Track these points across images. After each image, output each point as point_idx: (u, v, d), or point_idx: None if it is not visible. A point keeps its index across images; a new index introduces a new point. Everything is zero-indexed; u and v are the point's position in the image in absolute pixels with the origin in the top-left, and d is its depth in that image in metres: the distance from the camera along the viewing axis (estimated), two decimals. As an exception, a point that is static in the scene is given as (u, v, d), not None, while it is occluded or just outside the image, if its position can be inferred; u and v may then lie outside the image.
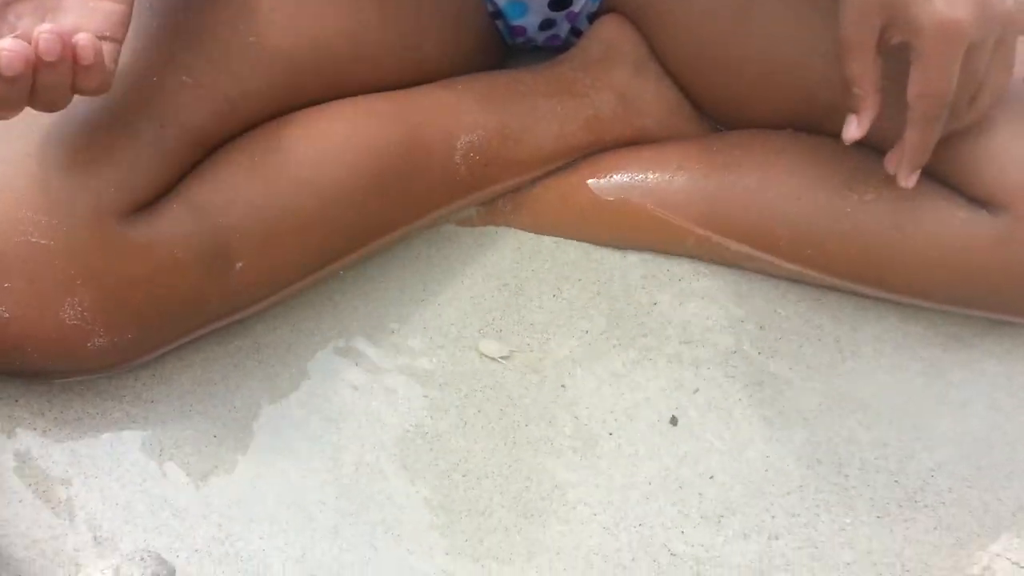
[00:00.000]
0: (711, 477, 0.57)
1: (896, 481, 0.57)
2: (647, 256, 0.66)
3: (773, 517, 0.55)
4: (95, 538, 0.53)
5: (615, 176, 0.66)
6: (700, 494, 0.56)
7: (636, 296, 0.64)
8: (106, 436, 0.57)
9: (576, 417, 0.59)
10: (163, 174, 0.53)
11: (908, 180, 0.55)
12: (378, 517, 0.55)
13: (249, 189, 0.55)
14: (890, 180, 0.56)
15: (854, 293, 0.63)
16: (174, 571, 0.41)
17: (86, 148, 0.51)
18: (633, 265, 0.66)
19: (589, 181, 0.66)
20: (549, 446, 0.58)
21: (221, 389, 0.59)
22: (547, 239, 0.67)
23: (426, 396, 0.60)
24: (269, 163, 0.56)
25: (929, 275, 0.59)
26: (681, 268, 0.66)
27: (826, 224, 0.60)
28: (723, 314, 0.63)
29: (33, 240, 0.49)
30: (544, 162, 0.67)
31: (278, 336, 0.62)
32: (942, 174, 0.58)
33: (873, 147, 0.58)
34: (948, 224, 0.57)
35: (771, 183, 0.62)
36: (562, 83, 0.68)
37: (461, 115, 0.63)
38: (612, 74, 0.68)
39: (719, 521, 0.55)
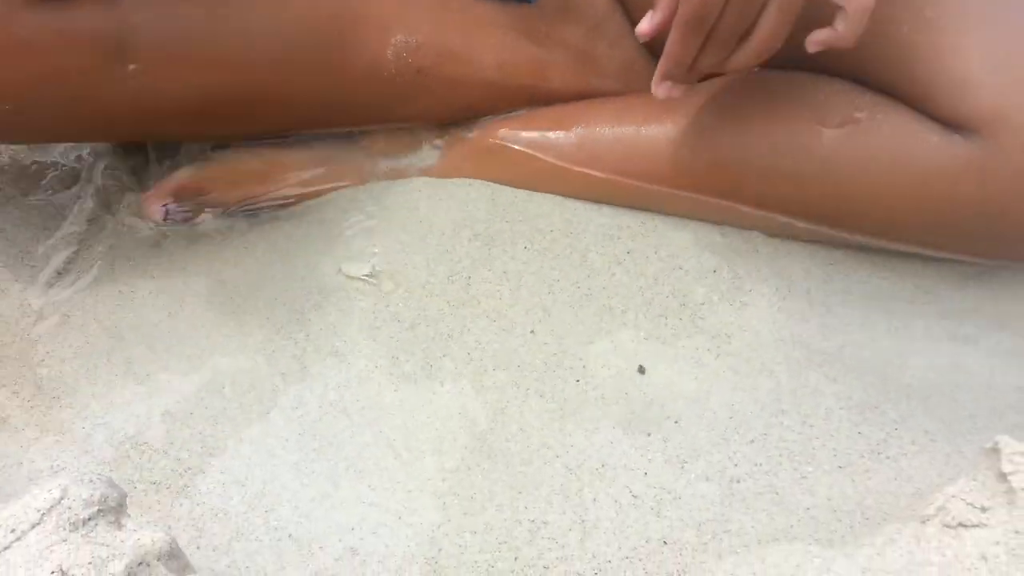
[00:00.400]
0: (676, 422, 0.57)
1: (859, 432, 0.57)
2: (621, 209, 0.66)
3: (736, 464, 0.56)
4: (51, 467, 0.53)
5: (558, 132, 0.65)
6: (664, 439, 0.56)
7: (609, 247, 0.64)
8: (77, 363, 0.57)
9: (544, 363, 0.59)
10: None
11: (658, 88, 0.55)
12: (340, 455, 0.55)
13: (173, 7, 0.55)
14: (867, 107, 0.55)
15: (827, 242, 0.63)
16: (125, 496, 0.41)
17: None
18: (606, 215, 0.66)
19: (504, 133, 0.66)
20: (515, 390, 0.58)
21: (183, 325, 0.59)
22: (521, 192, 0.67)
23: (392, 338, 0.60)
24: None
25: (903, 210, 0.58)
26: (655, 221, 0.66)
27: (794, 163, 0.59)
28: (695, 264, 0.63)
29: None
30: (480, 89, 0.66)
31: (243, 271, 0.62)
32: (911, 98, 0.57)
33: (838, 75, 0.58)
34: (921, 150, 0.56)
35: (732, 127, 0.61)
36: (517, 21, 0.67)
37: (404, 12, 0.63)
38: (566, 29, 0.68)
39: (682, 466, 0.55)
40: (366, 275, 0.61)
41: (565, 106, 0.66)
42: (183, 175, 0.64)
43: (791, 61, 0.60)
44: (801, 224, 0.62)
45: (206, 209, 0.64)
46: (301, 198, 0.66)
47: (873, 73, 0.58)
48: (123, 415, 0.56)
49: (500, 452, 0.56)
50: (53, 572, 0.35)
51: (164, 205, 0.64)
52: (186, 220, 0.64)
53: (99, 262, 0.64)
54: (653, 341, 0.60)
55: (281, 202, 0.66)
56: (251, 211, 0.65)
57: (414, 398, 0.58)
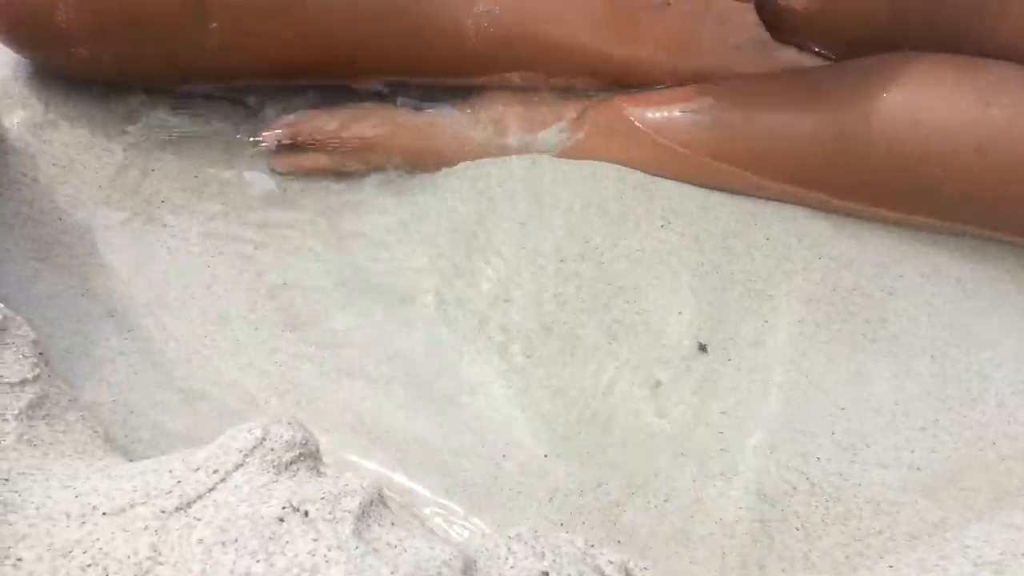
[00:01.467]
0: (842, 408, 0.54)
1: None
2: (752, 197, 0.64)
3: (912, 451, 0.53)
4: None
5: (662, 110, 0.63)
6: (830, 426, 0.53)
7: (747, 233, 0.62)
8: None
9: (691, 347, 0.56)
10: None
11: None
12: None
13: None
14: None
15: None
16: (318, 441, 0.37)
17: None
18: (740, 202, 0.64)
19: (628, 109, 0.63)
20: (666, 371, 0.55)
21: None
22: (647, 175, 0.65)
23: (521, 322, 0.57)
24: None
25: None
26: (791, 210, 0.63)
27: (950, 150, 0.57)
28: (838, 252, 0.61)
29: None
30: (565, 64, 0.64)
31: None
32: None
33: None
34: None
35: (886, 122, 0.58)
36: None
37: None
38: (661, 16, 0.65)
39: (855, 453, 0.52)
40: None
41: (701, 87, 0.64)
42: (287, 118, 0.63)
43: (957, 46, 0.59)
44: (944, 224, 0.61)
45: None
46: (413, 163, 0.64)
47: None
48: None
49: (660, 434, 0.52)
50: (284, 507, 0.31)
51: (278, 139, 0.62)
52: (295, 165, 0.62)
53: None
54: (809, 325, 0.57)
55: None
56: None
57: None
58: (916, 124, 0.58)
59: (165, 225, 0.58)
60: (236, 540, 0.31)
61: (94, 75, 0.61)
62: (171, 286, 0.56)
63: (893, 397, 0.55)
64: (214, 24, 0.57)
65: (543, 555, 0.33)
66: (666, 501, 0.50)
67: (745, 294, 0.59)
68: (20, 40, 0.59)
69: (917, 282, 0.60)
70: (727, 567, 0.48)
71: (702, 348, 0.57)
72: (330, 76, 0.63)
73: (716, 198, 0.64)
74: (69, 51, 0.58)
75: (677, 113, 0.63)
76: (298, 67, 0.62)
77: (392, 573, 0.29)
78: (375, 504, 0.33)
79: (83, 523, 0.33)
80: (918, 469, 0.51)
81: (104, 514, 0.34)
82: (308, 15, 0.58)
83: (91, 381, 0.49)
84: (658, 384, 0.55)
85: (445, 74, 0.64)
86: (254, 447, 0.35)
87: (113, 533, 0.33)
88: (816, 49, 0.64)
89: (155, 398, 0.50)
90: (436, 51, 0.62)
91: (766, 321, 0.58)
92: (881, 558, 0.46)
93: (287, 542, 0.31)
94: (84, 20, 0.56)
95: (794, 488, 0.50)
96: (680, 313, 0.58)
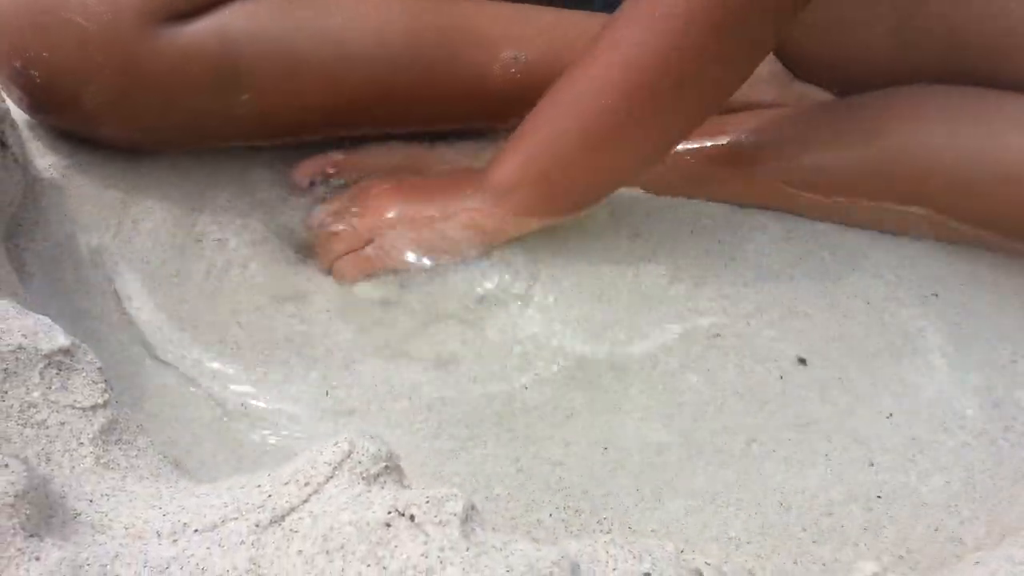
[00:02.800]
0: (888, 416, 0.54)
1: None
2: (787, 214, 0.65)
3: (965, 460, 0.53)
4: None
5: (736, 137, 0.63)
6: (879, 435, 0.54)
7: (783, 251, 0.63)
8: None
9: (739, 366, 0.56)
10: None
11: None
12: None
13: (277, 28, 0.57)
14: None
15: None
16: (399, 461, 0.37)
17: None
18: (771, 218, 0.65)
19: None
20: (711, 391, 0.55)
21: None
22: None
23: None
24: (303, 8, 0.58)
25: None
26: (822, 225, 0.64)
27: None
28: (871, 264, 0.62)
29: (77, 20, 0.53)
30: None
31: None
32: None
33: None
34: None
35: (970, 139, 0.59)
36: None
37: (515, 28, 0.63)
38: None
39: (911, 459, 0.52)
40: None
41: (755, 114, 0.64)
42: (335, 154, 0.63)
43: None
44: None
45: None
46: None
47: None
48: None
49: (707, 448, 0.52)
50: (389, 512, 0.31)
51: (312, 180, 0.63)
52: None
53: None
54: (844, 341, 0.58)
55: None
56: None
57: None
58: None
59: (203, 257, 0.58)
60: (342, 547, 0.30)
61: (120, 145, 0.60)
62: (211, 316, 0.55)
63: (942, 406, 0.55)
64: (246, 96, 0.58)
65: (641, 558, 0.33)
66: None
67: (786, 314, 0.59)
68: (46, 120, 0.58)
69: (953, 296, 0.61)
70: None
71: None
72: (357, 129, 0.64)
73: (742, 217, 0.65)
74: (96, 130, 0.58)
75: (732, 139, 0.64)
76: (326, 123, 0.62)
77: (508, 571, 0.29)
78: (474, 509, 0.32)
79: (175, 540, 0.33)
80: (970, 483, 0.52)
81: (196, 531, 0.33)
82: (337, 75, 0.59)
83: (142, 413, 0.49)
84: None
85: (474, 119, 0.65)
86: (342, 460, 0.35)
87: (208, 549, 0.32)
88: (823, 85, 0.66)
89: (205, 428, 0.50)
90: (463, 98, 0.63)
91: (804, 341, 0.58)
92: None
93: (395, 546, 0.30)
94: (112, 101, 0.56)
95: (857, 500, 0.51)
96: (718, 336, 0.58)
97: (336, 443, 0.36)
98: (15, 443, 0.36)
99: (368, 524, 0.30)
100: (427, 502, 0.31)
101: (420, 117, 0.64)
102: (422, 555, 0.29)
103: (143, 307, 0.55)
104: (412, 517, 0.31)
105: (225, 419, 0.49)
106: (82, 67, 0.54)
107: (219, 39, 0.56)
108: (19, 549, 0.31)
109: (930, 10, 0.59)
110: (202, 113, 0.58)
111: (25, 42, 0.53)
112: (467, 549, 0.30)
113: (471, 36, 0.62)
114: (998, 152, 0.57)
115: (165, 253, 0.57)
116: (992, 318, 0.60)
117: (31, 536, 0.31)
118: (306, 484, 0.34)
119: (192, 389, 0.51)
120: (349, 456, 0.35)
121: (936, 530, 0.49)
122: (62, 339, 0.40)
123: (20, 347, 0.39)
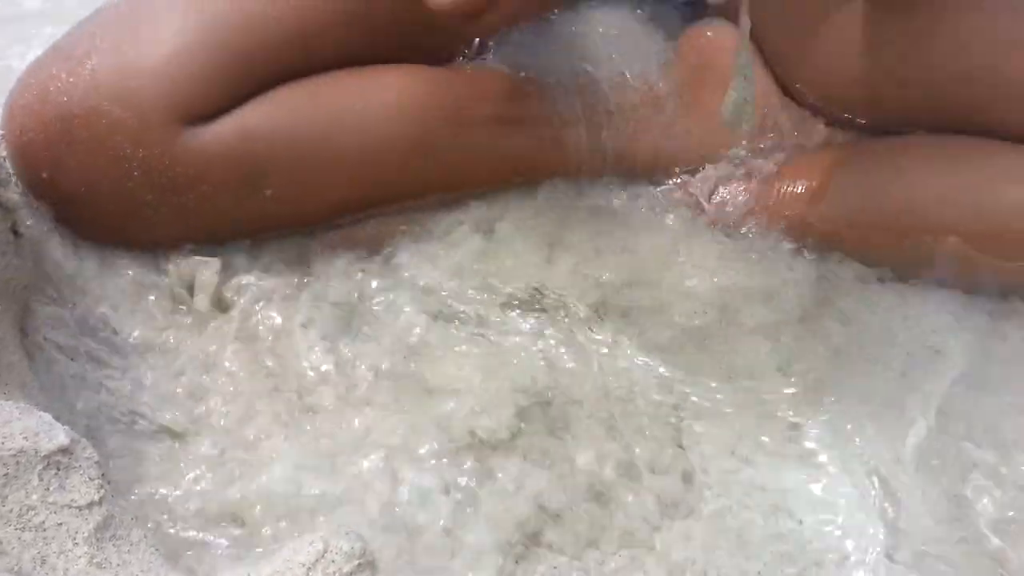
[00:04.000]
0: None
1: None
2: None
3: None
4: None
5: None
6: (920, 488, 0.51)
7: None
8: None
9: (758, 418, 0.55)
10: (230, 96, 0.56)
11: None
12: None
13: (295, 125, 0.58)
14: None
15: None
16: (374, 556, 0.37)
17: (175, 57, 0.55)
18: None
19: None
20: (732, 436, 0.54)
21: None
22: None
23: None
24: (320, 104, 0.58)
25: None
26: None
27: None
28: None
29: (107, 132, 0.53)
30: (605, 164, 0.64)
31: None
32: None
33: None
34: None
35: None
36: (645, 95, 0.64)
37: None
38: (703, 91, 0.64)
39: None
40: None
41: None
42: None
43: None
44: None
45: None
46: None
47: None
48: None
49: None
50: (347, 625, 0.31)
51: None
52: None
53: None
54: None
55: None
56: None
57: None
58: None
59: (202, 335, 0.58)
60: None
61: (138, 246, 0.59)
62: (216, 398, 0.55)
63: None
64: (269, 191, 0.57)
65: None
66: None
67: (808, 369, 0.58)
68: (68, 229, 0.57)
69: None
70: None
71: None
72: (376, 208, 0.62)
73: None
74: (118, 237, 0.57)
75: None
76: (346, 206, 0.61)
77: None
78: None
79: (154, 647, 0.33)
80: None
81: (174, 637, 0.34)
82: (359, 161, 0.59)
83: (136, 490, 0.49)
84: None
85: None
86: (316, 560, 0.35)
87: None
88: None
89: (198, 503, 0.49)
90: (477, 171, 0.62)
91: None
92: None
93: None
94: (138, 208, 0.55)
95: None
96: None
97: (311, 542, 0.36)
98: (13, 550, 0.38)
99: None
100: (384, 613, 0.31)
101: (435, 189, 0.63)
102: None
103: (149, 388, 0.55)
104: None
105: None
106: (115, 175, 0.54)
107: (241, 138, 0.56)
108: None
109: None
110: (227, 210, 0.58)
111: (54, 154, 0.54)
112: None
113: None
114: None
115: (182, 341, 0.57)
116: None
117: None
118: (279, 587, 0.35)
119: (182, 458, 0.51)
120: (323, 556, 0.35)
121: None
122: (62, 437, 0.41)
123: (21, 450, 0.40)
